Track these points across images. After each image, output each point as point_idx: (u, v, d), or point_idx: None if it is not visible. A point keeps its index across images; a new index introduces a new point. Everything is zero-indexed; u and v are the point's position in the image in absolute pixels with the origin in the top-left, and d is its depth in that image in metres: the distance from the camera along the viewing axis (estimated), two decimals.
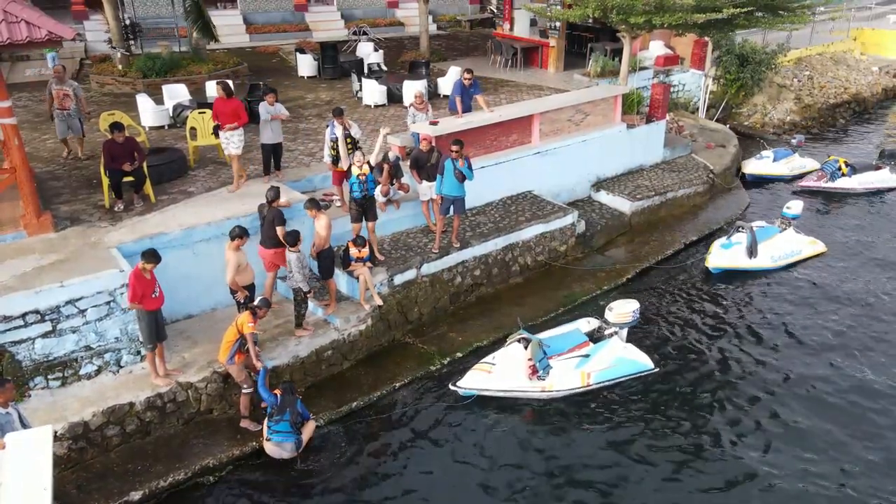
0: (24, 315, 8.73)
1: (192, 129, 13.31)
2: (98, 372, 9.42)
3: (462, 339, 11.52)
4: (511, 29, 22.96)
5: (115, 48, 20.07)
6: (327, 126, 11.87)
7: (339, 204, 12.26)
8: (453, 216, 12.02)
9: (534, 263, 13.51)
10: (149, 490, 8.43)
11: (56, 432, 8.23)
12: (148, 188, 11.47)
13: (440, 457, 9.33)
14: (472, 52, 24.69)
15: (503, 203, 14.19)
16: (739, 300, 13.24)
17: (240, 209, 11.15)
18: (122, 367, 9.59)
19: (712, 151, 18.91)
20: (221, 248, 9.93)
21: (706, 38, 21.10)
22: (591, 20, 19.79)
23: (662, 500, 8.71)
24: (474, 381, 10.28)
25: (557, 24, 20.37)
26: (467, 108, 13.86)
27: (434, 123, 12.91)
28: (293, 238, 9.86)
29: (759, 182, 18.81)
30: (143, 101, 15.51)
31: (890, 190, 18.40)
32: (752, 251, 13.87)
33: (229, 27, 24.79)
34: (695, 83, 22.74)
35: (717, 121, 22.10)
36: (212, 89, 15.24)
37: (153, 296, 8.94)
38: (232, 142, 11.68)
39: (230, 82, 12.43)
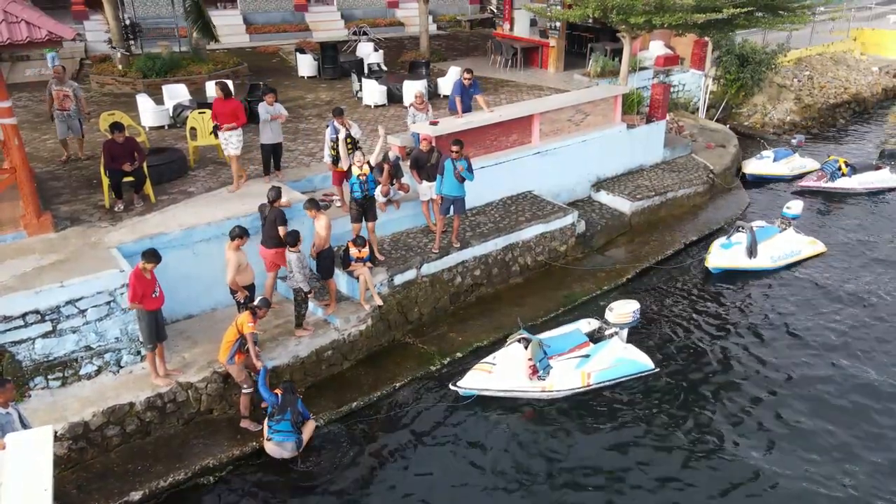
0: (24, 315, 8.73)
1: (192, 129, 13.31)
2: (98, 372, 9.42)
3: (462, 339, 11.52)
4: (511, 29, 22.96)
5: (115, 48, 20.07)
6: (327, 126, 11.86)
7: (339, 204, 12.26)
8: (453, 216, 12.02)
9: (534, 263, 13.51)
10: (149, 490, 8.43)
11: (56, 432, 8.23)
12: (148, 188, 11.47)
13: (440, 457, 9.33)
14: (472, 52, 24.69)
15: (503, 203, 14.19)
16: (739, 300, 13.24)
17: (240, 209, 11.15)
18: (122, 367, 9.59)
19: (712, 151, 18.91)
20: (221, 248, 9.93)
21: (706, 38, 21.09)
22: (591, 20, 19.79)
23: (664, 500, 8.71)
24: (475, 381, 10.28)
25: (557, 24, 20.37)
26: (467, 108, 13.86)
27: (434, 123, 12.91)
28: (293, 238, 9.86)
29: (760, 182, 18.80)
30: (143, 101, 15.51)
31: (890, 190, 18.40)
32: (751, 251, 13.87)
33: (229, 27, 24.79)
34: (695, 83, 22.74)
35: (717, 121, 22.10)
36: (212, 89, 15.24)
37: (153, 296, 8.94)
38: (231, 142, 11.68)
39: (229, 83, 12.43)
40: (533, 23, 22.63)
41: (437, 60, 22.34)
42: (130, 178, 11.18)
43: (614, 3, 16.26)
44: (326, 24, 27.33)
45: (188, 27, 20.53)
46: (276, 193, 10.28)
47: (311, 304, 10.71)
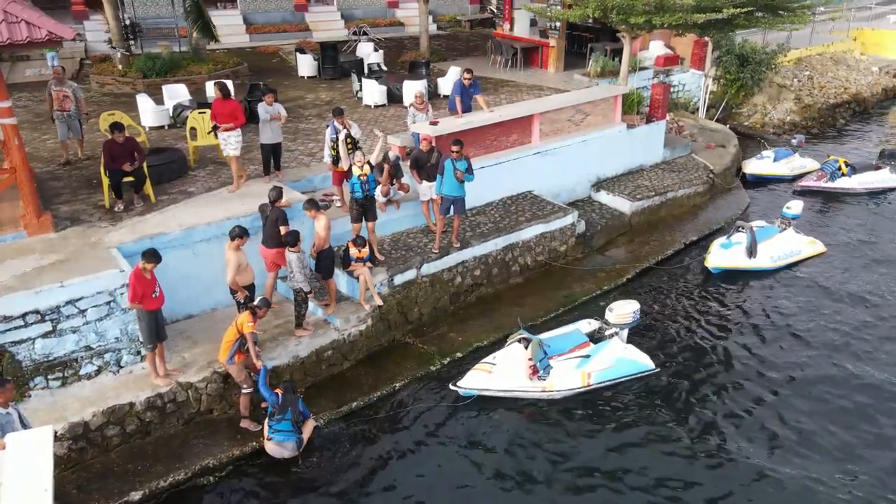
0: (24, 315, 8.73)
1: (192, 129, 13.31)
2: (98, 372, 9.42)
3: (462, 339, 11.52)
4: (511, 29, 22.96)
5: (115, 48, 20.06)
6: (327, 126, 11.87)
7: (339, 204, 12.26)
8: (453, 216, 12.02)
9: (534, 263, 13.51)
10: (149, 490, 8.43)
11: (56, 432, 8.23)
12: (148, 188, 11.47)
13: (440, 457, 9.33)
14: (472, 52, 24.69)
15: (503, 203, 14.19)
16: (739, 300, 13.24)
17: (240, 209, 11.15)
18: (122, 367, 9.59)
19: (712, 151, 18.91)
20: (221, 248, 9.93)
21: (706, 38, 21.10)
22: (591, 20, 19.79)
23: (665, 500, 8.70)
24: (475, 381, 10.28)
25: (557, 24, 20.37)
26: (467, 108, 13.86)
27: (434, 123, 12.91)
28: (293, 238, 9.86)
29: (760, 182, 18.80)
30: (143, 102, 15.51)
31: (890, 190, 18.40)
32: (751, 251, 13.87)
33: (229, 27, 24.79)
34: (695, 83, 22.74)
35: (717, 121, 22.10)
36: (212, 89, 15.23)
37: (153, 296, 8.94)
38: (229, 143, 11.68)
39: (228, 83, 12.42)
40: (533, 23, 22.63)
41: (437, 60, 22.34)
42: (130, 178, 11.18)
43: (614, 3, 16.26)
44: (326, 24, 27.33)
45: (188, 27, 20.54)
46: (278, 193, 10.28)
47: (311, 304, 10.71)
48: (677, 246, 14.96)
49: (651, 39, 22.00)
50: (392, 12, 29.51)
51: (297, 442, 8.97)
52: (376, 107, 17.48)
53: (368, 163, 11.04)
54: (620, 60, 18.68)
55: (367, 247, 10.93)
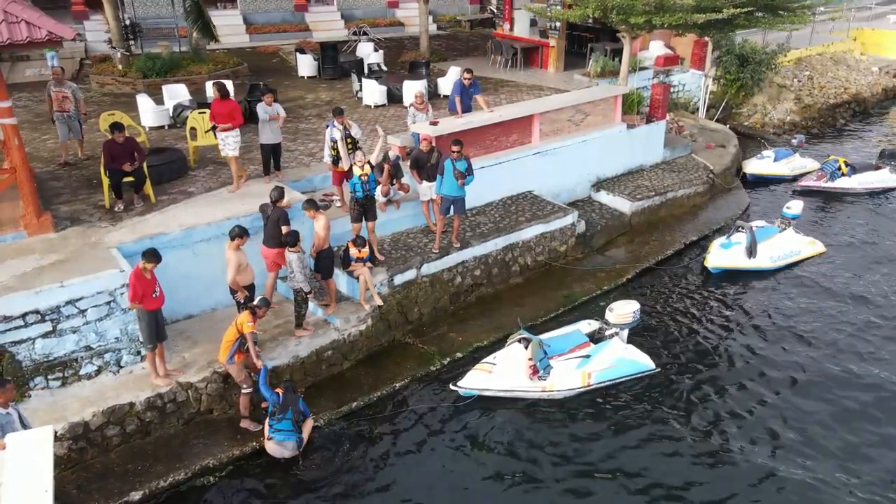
0: (24, 315, 8.73)
1: (192, 129, 13.30)
2: (98, 372, 9.42)
3: (462, 339, 11.52)
4: (511, 29, 22.96)
5: (115, 48, 20.06)
6: (327, 126, 11.86)
7: (339, 204, 12.26)
8: (453, 216, 12.02)
9: (534, 263, 13.51)
10: (149, 490, 8.43)
11: (56, 432, 8.23)
12: (148, 188, 11.47)
13: (440, 457, 9.33)
14: (472, 52, 24.70)
15: (503, 203, 14.18)
16: (740, 300, 13.23)
17: (240, 209, 11.15)
18: (122, 367, 9.58)
19: (712, 151, 18.91)
20: (221, 248, 9.93)
21: (706, 39, 21.09)
22: (591, 20, 19.80)
23: (668, 500, 8.70)
24: (475, 381, 10.28)
25: (557, 24, 20.37)
26: (467, 108, 13.86)
27: (434, 123, 12.91)
28: (293, 238, 9.86)
29: (760, 182, 18.80)
30: (143, 102, 15.52)
31: (890, 190, 18.40)
32: (751, 251, 13.87)
33: (229, 27, 24.79)
34: (695, 83, 22.74)
35: (717, 121, 22.09)
36: (211, 90, 15.24)
37: (153, 296, 8.94)
38: (228, 143, 11.67)
39: (226, 83, 12.43)
40: (533, 23, 22.63)
41: (437, 60, 22.34)
42: (130, 178, 11.18)
43: (614, 3, 16.26)
44: (326, 24, 27.34)
45: (188, 27, 20.54)
46: (279, 193, 10.28)
47: (311, 304, 10.70)
48: (677, 246, 14.96)
49: (651, 39, 22.00)
50: (392, 12, 29.51)
51: (297, 441, 8.97)
52: (376, 107, 17.48)
53: (368, 163, 11.04)
54: (620, 60, 18.68)
55: (367, 247, 10.93)
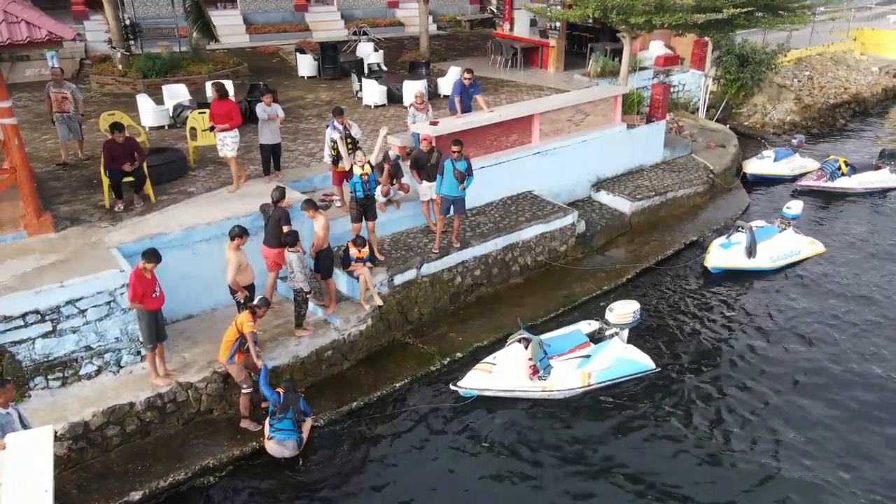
0: (24, 315, 8.73)
1: (192, 129, 13.30)
2: (98, 372, 9.42)
3: (462, 339, 11.52)
4: (511, 29, 22.96)
5: (115, 48, 20.06)
6: (327, 126, 11.86)
7: (339, 204, 12.26)
8: (453, 216, 12.02)
9: (534, 263, 13.51)
10: (149, 490, 8.43)
11: (56, 432, 8.23)
12: (148, 188, 11.47)
13: (440, 457, 9.33)
14: (472, 52, 24.70)
15: (503, 203, 14.18)
16: (740, 300, 13.23)
17: (240, 209, 11.15)
18: (122, 367, 9.59)
19: (712, 151, 18.91)
20: (221, 248, 9.93)
21: (706, 39, 21.09)
22: (591, 20, 19.79)
23: (670, 501, 8.70)
24: (475, 381, 10.28)
25: (557, 24, 20.37)
26: (467, 108, 13.86)
27: (434, 123, 12.91)
28: (292, 238, 9.86)
29: (761, 182, 18.80)
30: (143, 102, 15.52)
31: (890, 190, 18.40)
32: (751, 251, 13.87)
33: (229, 27, 24.79)
34: (695, 83, 22.74)
35: (717, 121, 22.09)
36: (210, 90, 15.26)
37: (153, 295, 8.94)
38: (226, 143, 11.66)
39: (224, 83, 12.46)
40: (533, 23, 22.63)
41: (437, 60, 22.34)
42: (130, 178, 11.18)
43: (614, 3, 16.26)
44: (326, 24, 27.33)
45: (188, 27, 20.54)
46: (281, 193, 10.28)
47: (311, 304, 10.70)
48: (677, 246, 14.96)
49: (651, 39, 22.00)
50: (392, 12, 29.51)
51: (297, 441, 8.98)
52: (376, 107, 17.48)
53: (368, 162, 11.04)
54: (620, 60, 18.68)
55: (367, 247, 10.93)
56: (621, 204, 15.61)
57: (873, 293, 13.31)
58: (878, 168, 18.78)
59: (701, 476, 9.05)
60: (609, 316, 11.11)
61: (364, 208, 11.13)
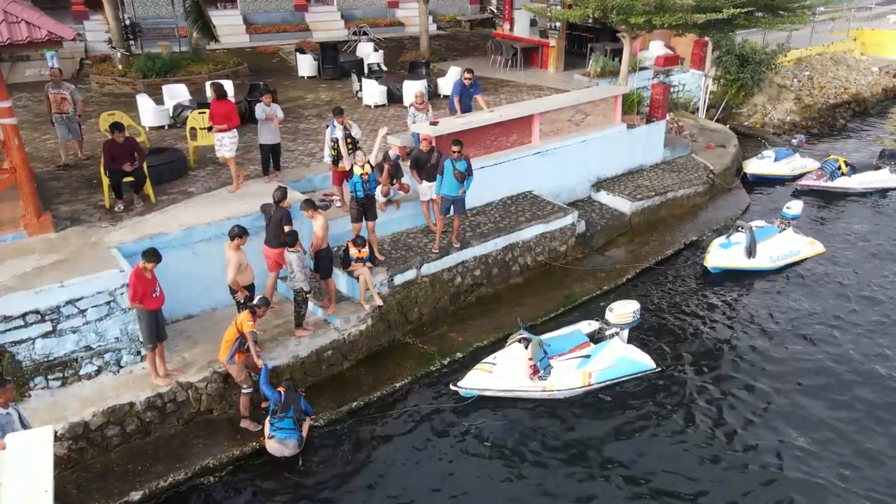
0: (24, 315, 8.73)
1: (192, 129, 13.30)
2: (98, 372, 9.42)
3: (462, 339, 11.52)
4: (511, 29, 22.96)
5: (115, 48, 20.06)
6: (327, 126, 11.86)
7: (339, 204, 12.26)
8: (453, 216, 12.02)
9: (534, 263, 13.51)
10: (149, 490, 8.43)
11: (56, 432, 8.23)
12: (148, 188, 11.46)
13: (441, 457, 9.33)
14: (472, 52, 24.69)
15: (503, 203, 14.18)
16: (740, 300, 13.24)
17: (240, 209, 11.15)
18: (122, 367, 9.58)
19: (712, 151, 18.91)
20: (221, 248, 9.93)
21: (706, 39, 21.09)
22: (591, 20, 19.79)
23: (669, 499, 8.71)
24: (475, 381, 10.28)
25: (557, 24, 20.37)
26: (467, 108, 13.86)
27: (434, 123, 12.91)
28: (292, 238, 9.86)
29: (761, 182, 18.80)
30: (143, 102, 15.52)
31: (889, 190, 18.40)
32: (750, 251, 13.87)
33: (229, 27, 24.78)
34: (695, 83, 22.74)
35: (717, 121, 22.09)
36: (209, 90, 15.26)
37: (154, 295, 8.94)
38: (224, 144, 11.65)
39: (228, 83, 12.45)
40: (533, 23, 22.63)
41: (437, 60, 22.34)
42: (130, 178, 11.18)
43: (614, 3, 16.26)
44: (326, 24, 27.33)
45: (188, 27, 20.53)
46: (283, 193, 10.28)
47: (310, 304, 10.70)
48: (677, 246, 14.96)
49: (651, 39, 21.99)
50: (392, 12, 29.51)
51: (298, 440, 8.98)
52: (376, 107, 17.48)
53: (368, 162, 11.04)
54: (620, 60, 18.68)
55: (367, 247, 10.93)
56: (621, 204, 15.61)
57: (875, 293, 13.31)
58: (878, 168, 18.78)
59: (702, 476, 9.04)
60: (609, 316, 11.11)
61: (364, 208, 11.13)
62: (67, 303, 8.96)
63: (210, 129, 11.79)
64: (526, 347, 10.50)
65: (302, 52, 20.94)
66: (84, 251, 9.80)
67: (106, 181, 11.12)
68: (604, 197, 15.94)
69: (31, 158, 11.91)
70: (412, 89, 16.44)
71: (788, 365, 11.21)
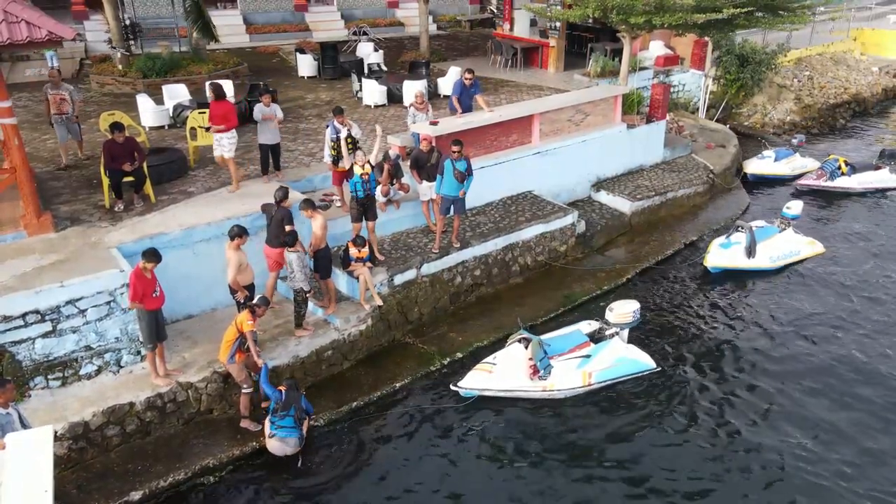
0: (24, 315, 8.73)
1: (192, 129, 13.30)
2: (98, 372, 9.42)
3: (462, 339, 11.52)
4: (511, 29, 22.96)
5: (115, 48, 20.06)
6: (327, 126, 11.86)
7: (339, 204, 12.26)
8: (453, 216, 12.02)
9: (534, 263, 13.51)
10: (149, 490, 8.43)
11: (56, 432, 8.23)
12: (148, 188, 11.46)
13: (441, 457, 9.32)
14: (472, 52, 24.70)
15: (503, 203, 14.18)
16: (739, 299, 13.23)
17: (240, 209, 11.15)
18: (122, 367, 9.58)
19: (712, 151, 18.91)
20: (221, 248, 9.93)
21: (706, 38, 21.10)
22: (591, 20, 19.80)
23: (670, 499, 8.71)
24: (475, 381, 10.28)
25: (557, 24, 20.37)
26: (467, 108, 13.86)
27: (434, 123, 12.91)
28: (292, 238, 9.86)
29: (761, 182, 18.80)
30: (143, 101, 15.52)
31: (889, 190, 18.40)
32: (750, 251, 13.87)
33: (229, 27, 24.78)
34: (695, 83, 22.74)
35: (717, 121, 22.09)
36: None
37: (154, 295, 8.94)
38: (222, 144, 11.64)
39: (228, 83, 12.46)
40: (533, 23, 22.63)
41: (437, 60, 22.34)
42: (130, 178, 11.18)
43: (614, 3, 16.27)
44: (326, 24, 27.33)
45: (188, 27, 20.53)
46: (284, 193, 10.28)
47: (310, 304, 10.70)
48: (677, 246, 14.96)
49: (651, 39, 22.00)
50: (392, 12, 29.51)
51: (299, 438, 8.98)
52: (376, 107, 17.48)
53: (369, 162, 11.04)
54: (620, 60, 18.68)
55: (367, 247, 10.93)
56: (621, 204, 15.61)
57: (876, 293, 13.31)
58: (877, 168, 18.78)
59: (704, 476, 9.03)
60: (609, 316, 11.11)
61: (364, 208, 11.13)
62: (67, 303, 8.96)
63: (207, 129, 11.77)
64: (526, 347, 10.50)
65: (302, 52, 20.94)
66: (84, 251, 9.79)
67: (106, 181, 11.12)
68: (604, 197, 15.94)
69: (31, 158, 11.92)
70: (412, 89, 16.44)
71: (789, 364, 11.21)
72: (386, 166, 12.13)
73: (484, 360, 10.56)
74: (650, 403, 10.31)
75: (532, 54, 21.91)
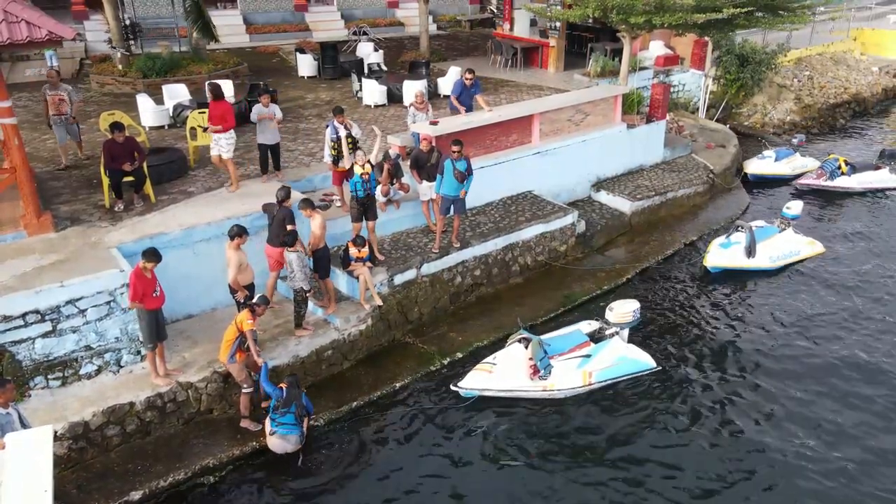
0: (24, 315, 8.73)
1: (192, 129, 13.30)
2: (98, 372, 9.42)
3: (462, 339, 11.52)
4: (511, 29, 22.96)
5: (115, 48, 20.07)
6: (327, 126, 11.86)
7: (339, 204, 12.26)
8: (453, 216, 12.02)
9: (534, 263, 13.51)
10: (149, 490, 8.43)
11: (56, 432, 8.23)
12: (148, 188, 11.46)
13: (441, 457, 9.32)
14: (472, 52, 24.70)
15: (503, 203, 14.18)
16: (739, 299, 13.24)
17: (240, 209, 11.15)
18: (122, 366, 9.58)
19: (712, 151, 18.91)
20: (221, 248, 9.93)
21: (706, 38, 21.10)
22: (591, 20, 19.80)
23: (670, 499, 8.71)
24: (475, 381, 10.28)
25: (557, 24, 20.37)
26: (468, 108, 13.86)
27: (434, 123, 12.91)
28: (291, 238, 9.86)
29: (762, 182, 18.80)
30: (143, 101, 15.52)
31: (889, 190, 18.40)
32: (750, 251, 13.87)
33: (229, 27, 24.78)
34: (695, 83, 22.74)
35: (717, 121, 22.09)
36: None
37: (154, 295, 8.94)
38: (220, 145, 11.62)
39: (228, 83, 12.44)
40: (533, 23, 22.63)
41: (437, 60, 22.34)
42: (130, 178, 11.17)
43: (614, 3, 16.27)
44: (326, 24, 27.33)
45: (188, 27, 20.53)
46: (286, 193, 10.28)
47: (310, 304, 10.70)
48: (677, 246, 14.96)
49: (651, 39, 22.00)
50: (392, 12, 29.51)
51: (299, 436, 8.98)
52: (376, 107, 17.48)
53: (369, 162, 11.04)
54: (620, 60, 18.68)
55: (367, 246, 10.93)
56: (621, 204, 15.61)
57: (877, 292, 13.31)
58: (877, 168, 18.78)
59: (706, 477, 9.02)
60: (609, 315, 11.11)
61: (364, 208, 11.13)
62: (67, 303, 8.96)
63: (205, 129, 11.76)
64: (526, 347, 10.50)
65: (302, 51, 20.94)
66: (84, 251, 9.79)
67: (106, 181, 11.12)
68: (604, 197, 15.94)
69: (31, 158, 11.91)
70: (412, 89, 16.44)
71: (791, 364, 11.21)
72: (386, 166, 12.13)
73: (484, 360, 10.55)
74: (651, 403, 10.31)
75: (532, 54, 21.91)
